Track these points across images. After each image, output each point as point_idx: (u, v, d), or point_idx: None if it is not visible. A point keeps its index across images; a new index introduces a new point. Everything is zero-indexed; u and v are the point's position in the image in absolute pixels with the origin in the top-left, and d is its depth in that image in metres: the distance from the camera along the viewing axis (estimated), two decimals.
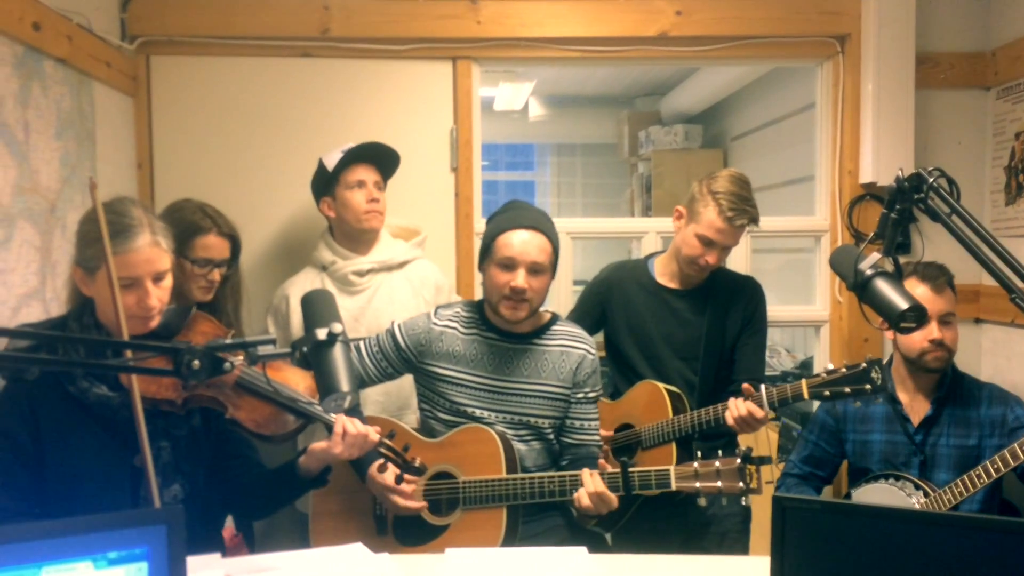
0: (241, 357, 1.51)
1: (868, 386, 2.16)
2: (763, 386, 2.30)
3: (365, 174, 2.72)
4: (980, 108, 3.17)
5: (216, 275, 2.51)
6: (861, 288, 1.71)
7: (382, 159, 2.78)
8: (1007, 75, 3.02)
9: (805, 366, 4.29)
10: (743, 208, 2.44)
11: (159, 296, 1.79)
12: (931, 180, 1.59)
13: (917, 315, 1.64)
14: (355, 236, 2.75)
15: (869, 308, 1.73)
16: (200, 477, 1.91)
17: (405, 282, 2.77)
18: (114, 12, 3.00)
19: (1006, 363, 3.06)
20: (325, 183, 2.73)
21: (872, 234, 1.73)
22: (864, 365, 2.18)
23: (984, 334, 3.18)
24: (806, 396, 2.23)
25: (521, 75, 5.70)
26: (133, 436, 1.65)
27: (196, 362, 1.42)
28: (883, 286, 1.68)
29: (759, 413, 2.28)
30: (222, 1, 3.08)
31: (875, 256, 1.72)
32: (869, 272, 1.70)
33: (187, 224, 2.45)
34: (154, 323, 1.81)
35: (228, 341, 1.49)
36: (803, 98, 4.56)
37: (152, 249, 1.76)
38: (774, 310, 3.19)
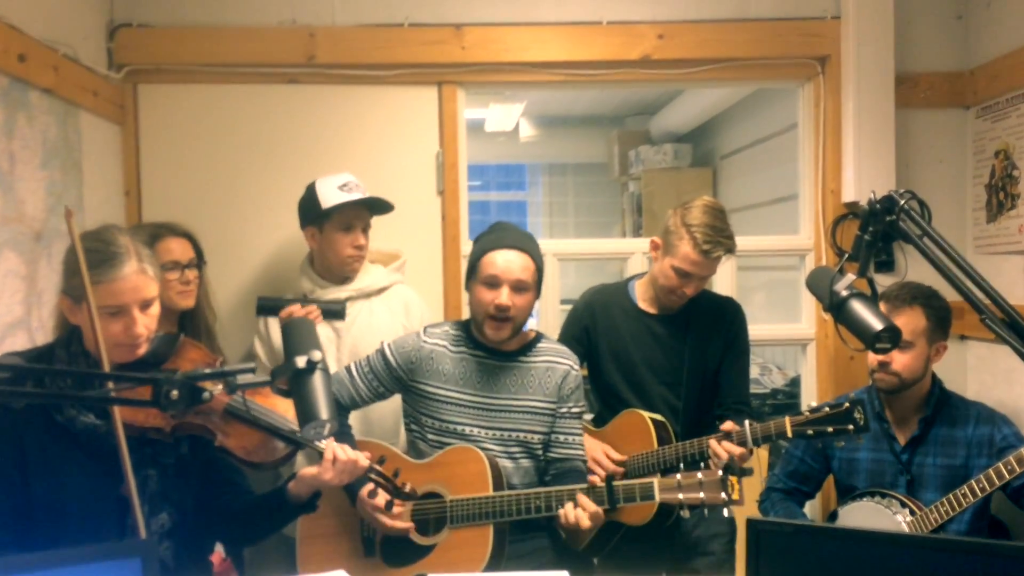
0: (220, 386, 1.52)
1: (851, 426, 2.17)
2: (747, 422, 2.29)
3: (357, 219, 2.71)
4: (960, 127, 3.20)
5: (189, 276, 2.58)
6: (836, 309, 1.72)
7: (377, 207, 2.78)
8: (986, 94, 3.05)
9: (796, 383, 4.29)
10: (718, 240, 2.42)
11: (146, 324, 1.78)
12: (902, 202, 1.60)
13: (892, 336, 1.65)
14: (334, 271, 2.77)
15: (845, 329, 1.73)
16: (189, 505, 1.89)
17: (384, 308, 2.78)
18: (101, 42, 3.03)
19: (991, 379, 3.07)
20: (315, 215, 2.71)
21: (847, 255, 1.75)
22: (847, 405, 2.19)
23: (969, 351, 3.20)
24: (789, 435, 2.24)
25: (511, 96, 5.70)
26: (120, 465, 1.64)
27: (174, 392, 1.43)
28: (858, 307, 1.69)
29: (743, 454, 2.28)
30: (209, 29, 3.11)
31: (850, 277, 1.73)
32: (844, 293, 1.71)
33: (143, 238, 2.47)
34: (142, 351, 1.80)
35: (207, 370, 1.50)
36: (790, 117, 4.53)
37: (139, 277, 1.76)
38: (760, 329, 3.22)
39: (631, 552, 2.43)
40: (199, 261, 2.65)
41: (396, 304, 2.80)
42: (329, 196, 2.68)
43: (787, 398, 4.23)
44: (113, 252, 1.75)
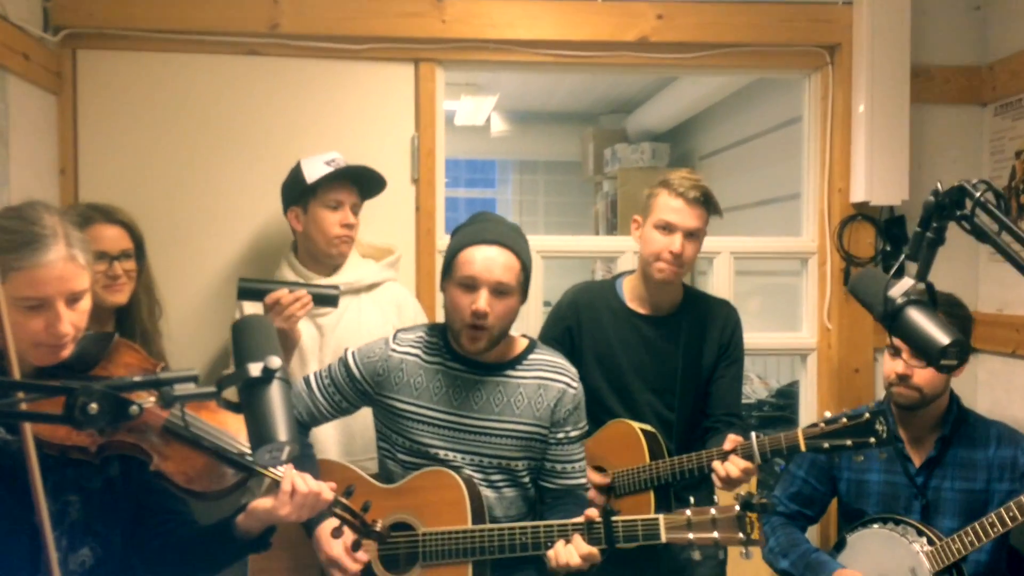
0: (153, 398, 1.24)
1: (872, 439, 1.98)
2: (753, 434, 2.11)
3: (346, 195, 2.50)
4: (975, 125, 3.00)
5: (118, 269, 2.30)
6: (891, 319, 1.48)
7: (368, 182, 2.57)
8: (1005, 90, 2.85)
9: (783, 395, 4.08)
10: (695, 183, 2.31)
11: (73, 321, 1.53)
12: (978, 195, 1.36)
13: (960, 351, 1.42)
14: (320, 257, 2.53)
15: (900, 342, 1.49)
16: (116, 538, 1.65)
17: (374, 306, 2.54)
18: (35, 0, 2.70)
19: (1005, 396, 2.87)
20: (299, 193, 2.48)
21: (903, 256, 1.52)
22: (868, 416, 1.99)
23: (980, 364, 2.99)
24: (803, 448, 2.05)
25: (483, 88, 5.50)
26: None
27: (93, 405, 1.15)
28: (919, 317, 1.45)
29: (751, 469, 2.09)
30: None
31: (908, 282, 1.49)
32: (901, 300, 1.47)
33: (74, 220, 2.22)
34: (66, 352, 1.55)
35: (136, 378, 1.22)
36: (777, 116, 4.42)
37: (67, 264, 1.51)
38: (757, 337, 3.01)
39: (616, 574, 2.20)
40: (137, 252, 2.37)
41: (387, 303, 2.57)
42: (315, 170, 2.47)
43: (774, 410, 4.01)
44: (36, 233, 1.50)
